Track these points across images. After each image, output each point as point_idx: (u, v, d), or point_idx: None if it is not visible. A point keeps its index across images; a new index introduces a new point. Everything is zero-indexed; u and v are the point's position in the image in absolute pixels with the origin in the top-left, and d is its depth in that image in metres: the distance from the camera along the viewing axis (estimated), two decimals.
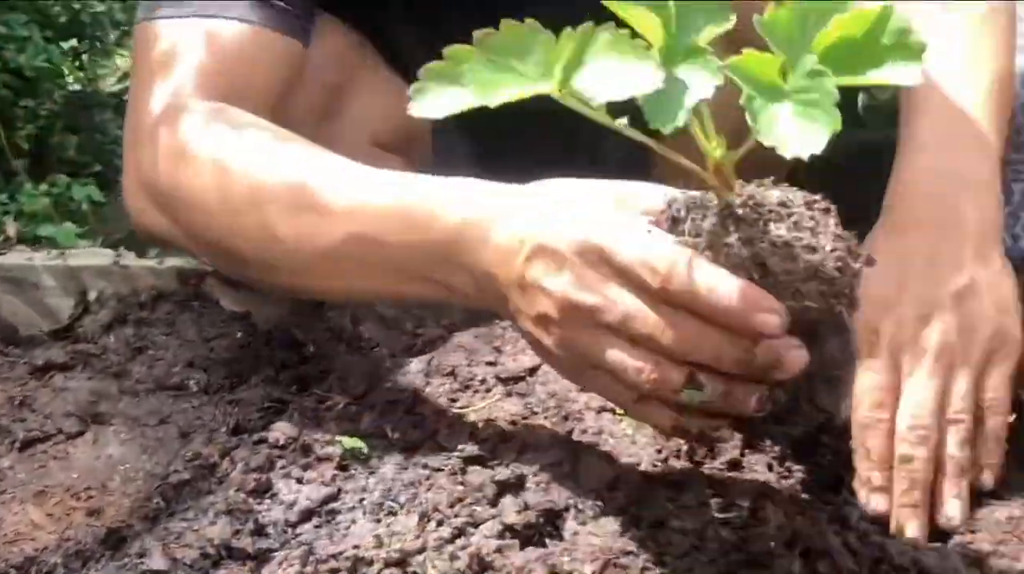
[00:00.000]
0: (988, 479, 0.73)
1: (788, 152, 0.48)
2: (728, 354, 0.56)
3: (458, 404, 0.79)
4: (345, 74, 1.08)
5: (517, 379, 0.83)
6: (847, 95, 0.50)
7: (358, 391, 0.80)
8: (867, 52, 0.48)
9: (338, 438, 0.72)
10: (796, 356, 0.56)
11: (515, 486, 0.67)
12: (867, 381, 0.74)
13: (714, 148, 0.55)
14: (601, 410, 0.77)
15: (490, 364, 0.85)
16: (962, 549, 0.65)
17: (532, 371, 0.84)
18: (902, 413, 0.73)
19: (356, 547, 0.62)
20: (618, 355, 0.58)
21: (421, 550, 0.62)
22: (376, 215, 0.72)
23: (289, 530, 0.66)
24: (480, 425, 0.75)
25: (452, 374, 0.82)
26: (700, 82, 0.51)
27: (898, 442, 0.72)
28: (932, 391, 0.72)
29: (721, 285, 0.55)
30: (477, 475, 0.67)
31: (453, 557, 0.61)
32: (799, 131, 0.47)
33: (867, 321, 0.74)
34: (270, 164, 0.78)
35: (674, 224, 0.59)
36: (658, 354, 0.57)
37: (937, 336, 0.73)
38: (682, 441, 0.68)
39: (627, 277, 0.58)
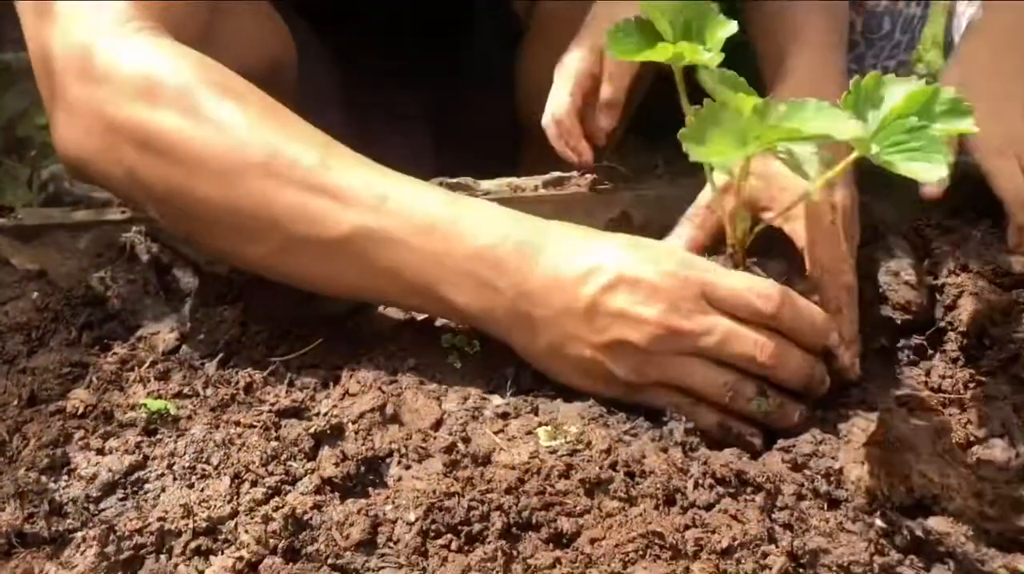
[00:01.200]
0: None
1: (925, 180, 0.62)
2: (803, 368, 0.68)
3: (278, 352, 0.74)
4: None
5: (342, 320, 0.79)
6: None
7: (168, 347, 0.74)
8: (926, 114, 0.63)
9: (143, 401, 0.67)
10: (825, 375, 0.70)
11: (333, 436, 0.64)
12: None
13: (736, 231, 0.71)
14: (428, 345, 0.74)
15: (312, 305, 0.80)
16: (783, 454, 0.66)
17: (357, 309, 0.80)
18: None
19: (162, 519, 0.58)
20: (706, 375, 0.66)
21: (233, 515, 0.59)
22: (396, 214, 0.68)
23: (91, 507, 0.61)
24: (299, 373, 0.71)
25: (271, 320, 0.77)
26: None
27: None
28: None
29: (818, 313, 0.69)
30: (292, 428, 0.64)
31: (267, 519, 0.57)
32: (923, 168, 0.61)
33: None
34: (270, 131, 0.70)
35: None
36: (738, 370, 0.67)
37: None
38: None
39: (729, 305, 0.67)
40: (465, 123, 1.17)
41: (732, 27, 0.67)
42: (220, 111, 0.70)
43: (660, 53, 0.65)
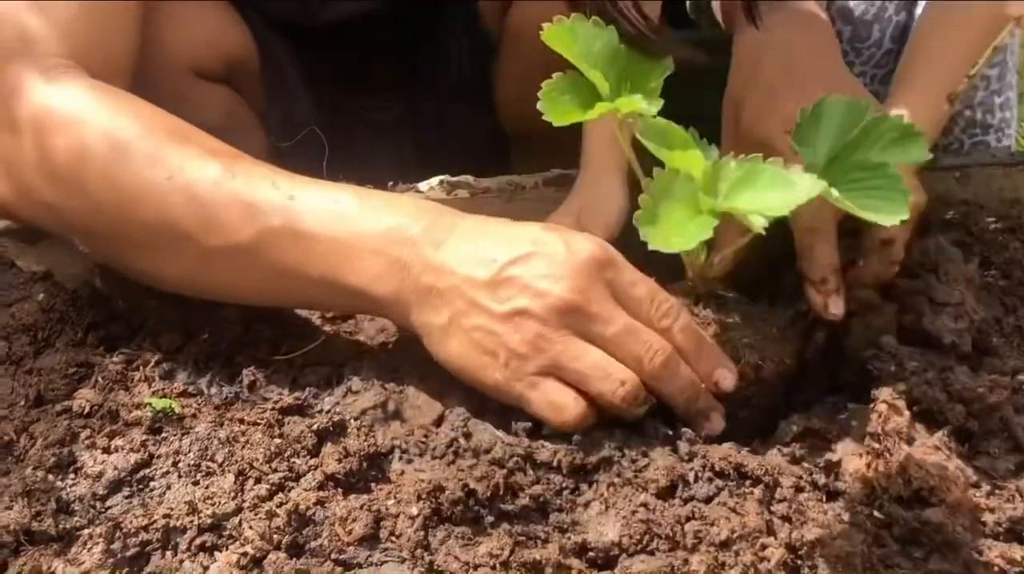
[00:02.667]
0: None
1: (885, 221, 0.59)
2: (688, 389, 0.66)
3: (281, 350, 0.75)
4: None
5: (344, 318, 0.80)
6: None
7: (172, 346, 0.75)
8: (876, 142, 0.63)
9: (148, 400, 0.68)
10: (713, 408, 0.68)
11: (335, 433, 0.64)
12: None
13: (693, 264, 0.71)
14: None
15: None
16: (782, 447, 0.66)
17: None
18: None
19: (167, 516, 0.59)
20: (597, 363, 0.64)
21: (237, 511, 0.59)
22: (305, 210, 0.68)
23: (97, 505, 0.62)
24: (302, 371, 0.72)
25: (274, 319, 0.78)
26: None
27: None
28: None
29: (711, 343, 0.68)
30: (295, 425, 0.65)
31: (271, 515, 0.58)
32: (885, 206, 0.60)
33: None
34: (175, 150, 0.71)
35: None
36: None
37: None
38: None
39: (633, 305, 0.66)
40: (447, 132, 1.18)
41: (668, 68, 0.64)
42: (123, 137, 0.71)
43: (597, 111, 0.61)
